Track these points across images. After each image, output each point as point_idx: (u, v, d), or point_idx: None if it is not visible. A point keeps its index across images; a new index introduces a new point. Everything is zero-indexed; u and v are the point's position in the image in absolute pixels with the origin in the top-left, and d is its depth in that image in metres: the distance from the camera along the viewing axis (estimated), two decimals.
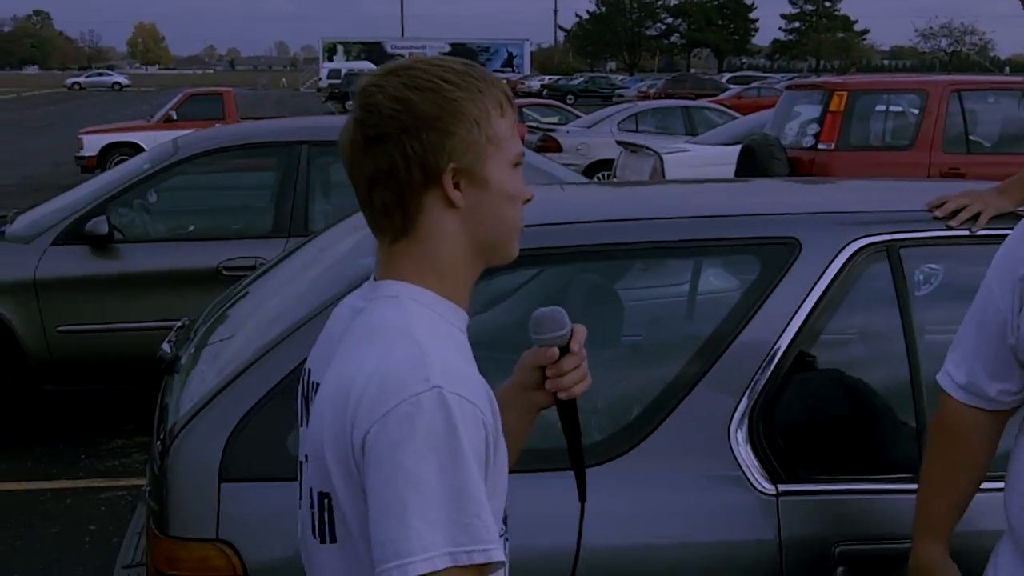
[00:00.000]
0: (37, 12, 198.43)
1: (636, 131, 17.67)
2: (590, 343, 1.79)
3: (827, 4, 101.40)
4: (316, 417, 1.55)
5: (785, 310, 2.68)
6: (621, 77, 75.30)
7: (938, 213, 2.84)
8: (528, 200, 1.66)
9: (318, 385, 1.60)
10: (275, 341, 2.66)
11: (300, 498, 1.65)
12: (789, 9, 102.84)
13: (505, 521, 1.65)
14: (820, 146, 10.16)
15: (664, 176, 12.22)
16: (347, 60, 78.57)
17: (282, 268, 3.77)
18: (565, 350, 1.76)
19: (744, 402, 2.60)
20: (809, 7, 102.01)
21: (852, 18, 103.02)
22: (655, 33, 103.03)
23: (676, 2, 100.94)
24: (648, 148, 13.27)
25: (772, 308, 2.68)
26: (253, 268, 5.28)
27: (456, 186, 1.56)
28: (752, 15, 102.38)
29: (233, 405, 2.56)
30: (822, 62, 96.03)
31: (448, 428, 1.42)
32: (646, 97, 45.04)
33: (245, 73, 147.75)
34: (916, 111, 10.39)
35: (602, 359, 2.94)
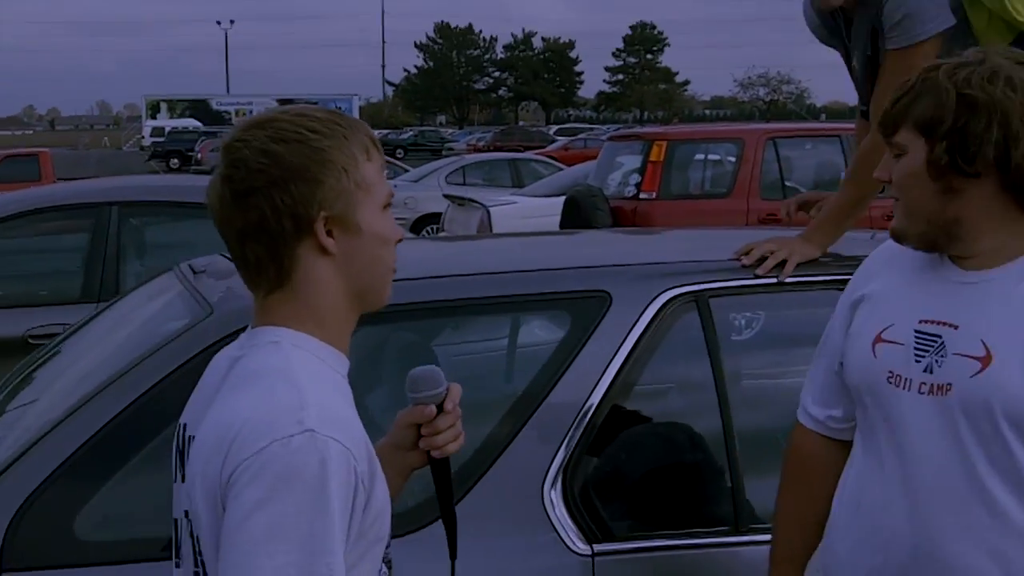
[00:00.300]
0: None
1: (464, 184, 17.72)
2: (400, 405, 1.81)
3: (649, 57, 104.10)
4: (192, 467, 1.54)
5: (597, 364, 2.63)
6: (450, 131, 75.73)
7: (745, 261, 2.84)
8: (400, 240, 1.69)
9: (193, 438, 1.59)
10: (59, 418, 2.49)
11: (179, 561, 1.63)
12: (613, 62, 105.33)
13: (389, 565, 1.68)
14: (642, 195, 10.30)
15: (491, 229, 12.23)
16: (171, 118, 77.16)
17: (86, 333, 3.57)
18: (440, 408, 1.78)
19: (557, 462, 2.54)
20: (632, 60, 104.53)
21: (673, 70, 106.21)
22: (483, 87, 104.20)
23: (503, 56, 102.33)
24: (474, 201, 13.29)
25: (584, 363, 2.64)
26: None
27: (329, 234, 1.58)
28: (577, 68, 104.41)
29: (15, 485, 2.37)
30: (646, 113, 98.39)
31: (316, 472, 1.42)
32: (475, 150, 45.31)
33: (66, 133, 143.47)
34: (733, 159, 10.65)
35: None
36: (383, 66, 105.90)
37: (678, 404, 3.05)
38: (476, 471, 2.53)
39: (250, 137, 1.58)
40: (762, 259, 2.83)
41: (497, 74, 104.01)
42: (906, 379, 1.95)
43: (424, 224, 16.66)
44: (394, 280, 2.76)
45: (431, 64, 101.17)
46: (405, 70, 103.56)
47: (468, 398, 3.29)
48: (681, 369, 2.92)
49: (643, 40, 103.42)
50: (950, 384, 1.90)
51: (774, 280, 2.80)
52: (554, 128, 65.17)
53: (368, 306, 1.67)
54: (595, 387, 2.61)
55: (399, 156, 45.13)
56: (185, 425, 1.67)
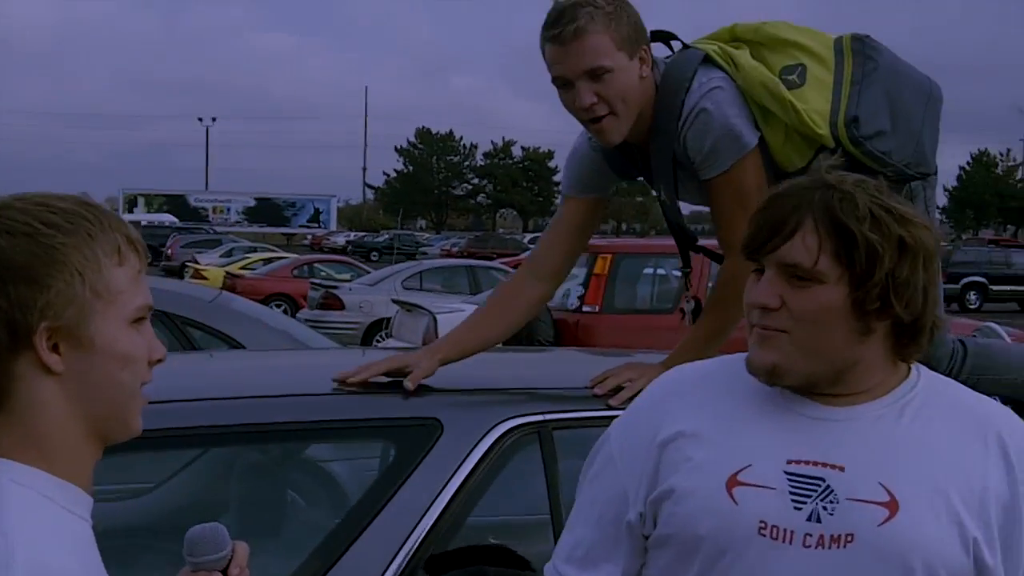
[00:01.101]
0: None
1: (420, 289, 17.56)
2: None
3: None
4: None
5: (422, 497, 2.39)
6: (427, 235, 75.97)
7: (598, 391, 2.63)
8: (159, 361, 1.44)
9: None
10: None
11: None
12: None
13: None
14: (585, 308, 10.18)
15: (437, 336, 12.01)
16: (149, 212, 77.20)
17: None
18: (224, 574, 1.54)
19: None
20: None
21: None
22: (462, 193, 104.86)
23: (482, 163, 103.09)
24: (421, 307, 13.13)
25: (407, 495, 2.39)
26: None
27: (55, 348, 1.32)
28: (555, 177, 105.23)
29: None
30: (624, 225, 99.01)
31: None
32: (449, 255, 45.43)
33: None
34: (678, 273, 10.51)
35: None
36: (364, 168, 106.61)
37: (513, 541, 2.79)
38: None
39: None
40: (617, 389, 2.62)
41: (476, 181, 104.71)
42: (786, 530, 1.69)
43: (378, 329, 16.45)
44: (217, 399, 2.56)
45: (411, 168, 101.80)
46: (385, 173, 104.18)
47: (283, 529, 3.09)
48: (518, 503, 2.68)
49: None
50: (851, 534, 1.66)
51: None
52: (528, 236, 65.44)
53: (112, 436, 1.43)
54: (419, 522, 2.36)
55: (373, 259, 45.12)
56: None
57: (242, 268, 27.90)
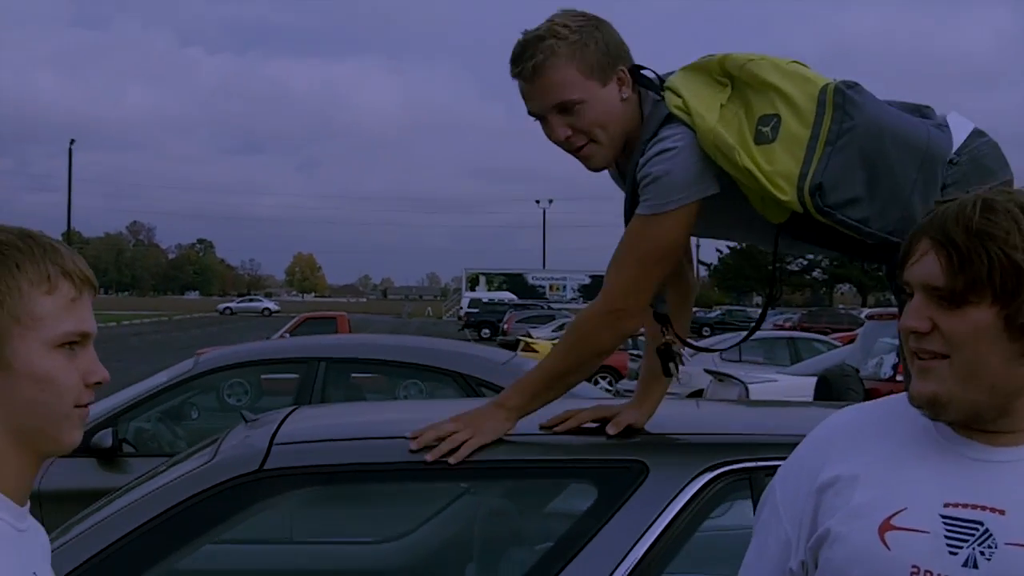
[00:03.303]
0: (200, 241, 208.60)
1: (739, 360, 17.31)
2: None
3: None
4: None
5: (624, 539, 2.34)
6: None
7: (413, 446, 2.44)
8: (99, 383, 1.54)
9: None
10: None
11: None
12: None
13: None
14: (898, 378, 9.71)
15: None
16: (489, 290, 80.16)
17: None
18: None
19: None
20: None
21: None
22: (796, 268, 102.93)
23: None
24: (734, 378, 12.95)
25: (609, 537, 2.35)
26: None
27: None
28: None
29: None
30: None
31: None
32: (781, 329, 44.59)
33: (396, 302, 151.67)
34: None
35: None
36: (698, 246, 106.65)
37: None
38: None
39: None
40: (437, 441, 2.45)
41: (811, 256, 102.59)
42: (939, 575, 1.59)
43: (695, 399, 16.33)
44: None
45: (743, 246, 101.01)
46: (718, 251, 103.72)
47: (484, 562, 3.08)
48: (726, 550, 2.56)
49: None
50: None
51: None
52: (866, 311, 63.38)
53: (43, 450, 1.53)
54: (619, 565, 2.31)
55: (705, 334, 44.86)
56: None
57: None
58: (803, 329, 41.67)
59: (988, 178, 2.55)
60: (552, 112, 2.59)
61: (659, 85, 2.65)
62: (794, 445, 2.47)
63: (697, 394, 16.35)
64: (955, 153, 2.61)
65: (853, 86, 2.55)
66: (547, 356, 2.68)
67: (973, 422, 1.65)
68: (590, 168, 2.68)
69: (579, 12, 2.63)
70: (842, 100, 2.50)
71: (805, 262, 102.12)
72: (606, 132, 2.60)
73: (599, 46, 2.58)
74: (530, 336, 34.11)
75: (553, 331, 37.40)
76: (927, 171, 2.54)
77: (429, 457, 2.42)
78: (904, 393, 1.75)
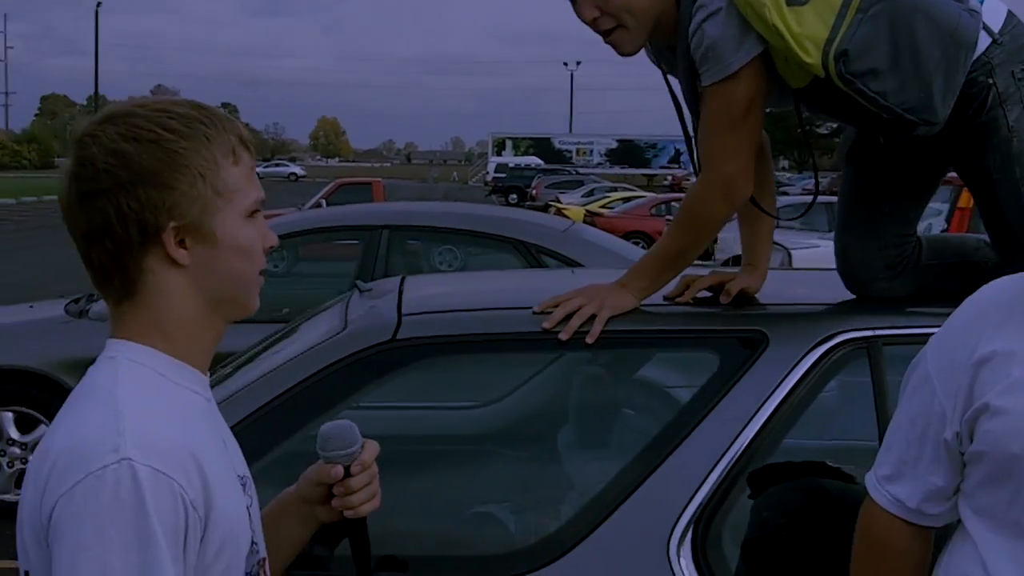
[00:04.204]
0: (225, 104, 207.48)
1: (778, 226, 17.23)
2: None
3: None
4: (22, 494, 1.45)
5: (745, 408, 2.41)
6: (789, 175, 74.38)
7: (546, 325, 2.48)
8: (273, 247, 1.57)
9: None
10: None
11: None
12: None
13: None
14: None
15: None
16: (515, 155, 79.72)
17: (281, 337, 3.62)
18: (347, 471, 1.70)
19: (689, 512, 2.32)
20: None
21: None
22: (826, 132, 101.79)
23: None
24: (777, 243, 12.90)
25: (730, 406, 2.41)
26: None
27: (181, 243, 1.47)
28: None
29: None
30: None
31: (135, 504, 1.32)
32: (809, 193, 44.31)
33: (420, 167, 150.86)
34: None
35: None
36: None
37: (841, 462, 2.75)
38: (598, 514, 2.35)
39: (101, 132, 1.46)
40: (569, 317, 2.49)
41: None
42: None
43: (735, 265, 16.33)
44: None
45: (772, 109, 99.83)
46: None
47: (600, 434, 3.16)
48: (845, 421, 2.64)
49: None
50: None
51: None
52: None
53: (229, 317, 1.56)
54: (739, 434, 2.38)
55: None
56: None
57: (602, 207, 28.38)
58: (832, 193, 41.42)
59: None
60: None
61: None
62: (911, 312, 2.55)
63: (735, 260, 16.40)
64: (998, 33, 2.62)
65: None
66: (664, 235, 2.71)
67: None
68: (620, 53, 2.69)
69: None
70: None
71: (834, 125, 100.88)
72: (634, 17, 2.60)
73: None
74: (559, 201, 34.02)
75: (583, 196, 37.26)
76: (951, 54, 2.53)
77: (563, 335, 2.46)
78: None
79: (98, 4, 64.05)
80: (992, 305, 1.85)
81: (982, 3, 2.65)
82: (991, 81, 2.59)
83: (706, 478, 2.34)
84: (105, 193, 1.43)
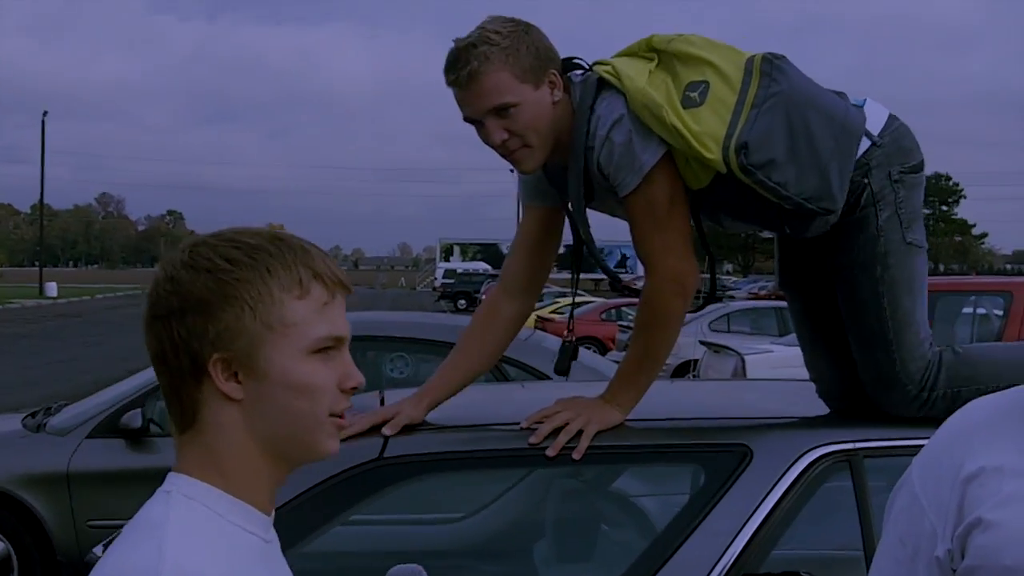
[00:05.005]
0: (171, 212, 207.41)
1: (728, 331, 17.43)
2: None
3: (944, 209, 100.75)
4: None
5: (731, 523, 2.42)
6: (734, 279, 75.17)
7: (533, 440, 2.51)
8: (354, 388, 1.47)
9: None
10: None
11: None
12: None
13: None
14: None
15: (745, 377, 11.91)
16: (463, 260, 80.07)
17: None
18: None
19: None
20: (926, 211, 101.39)
21: (970, 222, 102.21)
22: (769, 235, 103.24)
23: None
24: (730, 349, 13.03)
25: (716, 521, 2.43)
26: None
27: (235, 376, 1.41)
28: None
29: None
30: (941, 265, 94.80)
31: None
32: (756, 297, 44.76)
33: (367, 272, 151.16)
34: (1000, 312, 10.01)
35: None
36: None
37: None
38: None
39: (169, 259, 1.45)
40: (557, 431, 2.52)
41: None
42: None
43: (684, 371, 16.41)
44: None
45: None
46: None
47: (594, 554, 3.17)
48: (828, 535, 2.66)
49: (937, 191, 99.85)
50: None
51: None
52: None
53: (296, 459, 1.48)
54: (727, 549, 2.39)
55: None
56: None
57: (552, 312, 28.43)
58: (778, 298, 41.84)
59: (907, 157, 2.74)
60: (488, 116, 2.63)
61: (588, 67, 2.77)
62: (891, 425, 2.59)
63: (687, 365, 16.48)
64: (878, 135, 2.73)
65: (780, 57, 2.66)
66: (631, 343, 2.74)
67: None
68: (522, 171, 2.74)
69: (509, 18, 2.69)
70: (769, 68, 2.62)
71: None
72: (539, 135, 2.66)
73: (530, 50, 2.63)
74: None
75: None
76: (843, 143, 2.64)
77: (550, 452, 2.48)
78: None
79: (44, 113, 63.96)
80: (972, 424, 1.87)
81: (863, 104, 2.78)
82: (866, 181, 2.70)
83: None
84: (162, 319, 1.42)
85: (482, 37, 2.62)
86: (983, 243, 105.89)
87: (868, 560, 2.39)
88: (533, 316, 27.30)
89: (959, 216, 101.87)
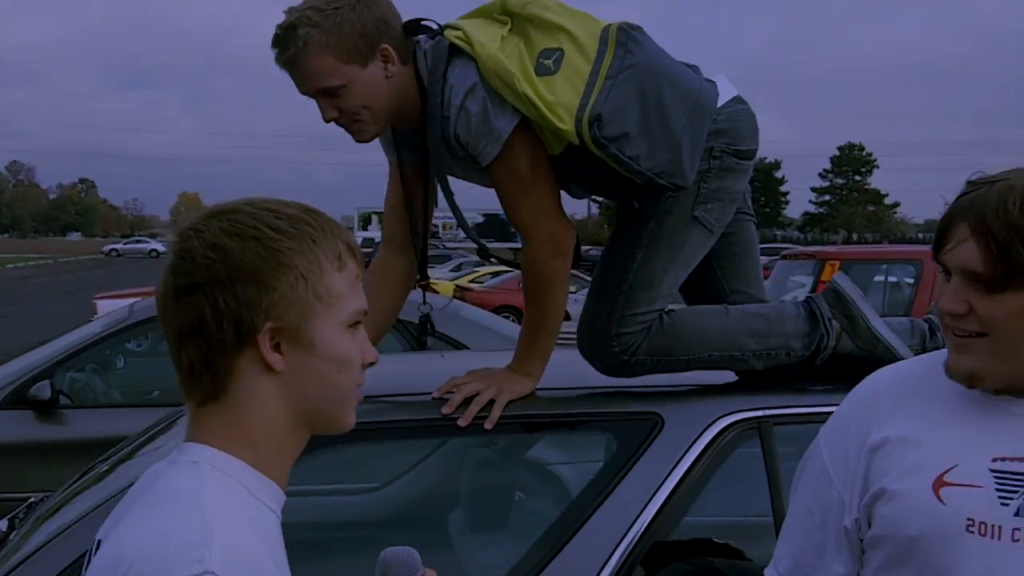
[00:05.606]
0: (83, 180, 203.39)
1: None
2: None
3: (857, 178, 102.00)
4: None
5: (642, 492, 2.44)
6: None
7: (445, 410, 2.52)
8: (371, 363, 1.49)
9: (100, 544, 1.41)
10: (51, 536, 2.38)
11: None
12: (819, 183, 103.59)
13: None
14: None
15: None
16: (381, 229, 79.54)
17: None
18: None
19: None
20: (839, 181, 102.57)
21: (883, 192, 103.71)
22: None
23: None
24: None
25: (628, 489, 2.44)
26: None
27: (276, 347, 1.39)
28: (783, 188, 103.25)
29: None
30: (855, 235, 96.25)
31: None
32: None
33: None
34: (911, 281, 10.18)
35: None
36: None
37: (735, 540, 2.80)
38: None
39: (204, 227, 1.40)
40: (467, 401, 2.53)
41: None
42: (994, 526, 1.68)
43: None
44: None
45: None
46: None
47: (507, 522, 3.18)
48: (738, 501, 2.69)
49: (851, 161, 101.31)
50: None
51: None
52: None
53: (318, 431, 1.47)
54: (638, 517, 2.40)
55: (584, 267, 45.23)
56: (99, 541, 1.46)
57: (471, 281, 28.45)
58: None
59: (737, 140, 2.74)
60: (318, 96, 2.61)
61: (439, 30, 2.71)
62: (800, 392, 2.62)
63: None
64: (715, 112, 2.73)
65: (636, 28, 2.65)
66: (525, 312, 2.73)
67: (1011, 389, 1.74)
68: (359, 141, 2.71)
69: None
70: (625, 39, 2.60)
71: None
72: (371, 111, 2.63)
73: (355, 28, 2.56)
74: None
75: (451, 271, 37.29)
76: (696, 119, 2.64)
77: (461, 422, 2.48)
78: (942, 351, 1.83)
79: None
80: (878, 393, 1.91)
81: (715, 81, 2.78)
82: None
83: (606, 562, 2.35)
84: (202, 288, 1.37)
85: (303, 18, 2.54)
86: (896, 212, 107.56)
87: (778, 527, 2.41)
88: (451, 285, 27.35)
89: (872, 186, 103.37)
